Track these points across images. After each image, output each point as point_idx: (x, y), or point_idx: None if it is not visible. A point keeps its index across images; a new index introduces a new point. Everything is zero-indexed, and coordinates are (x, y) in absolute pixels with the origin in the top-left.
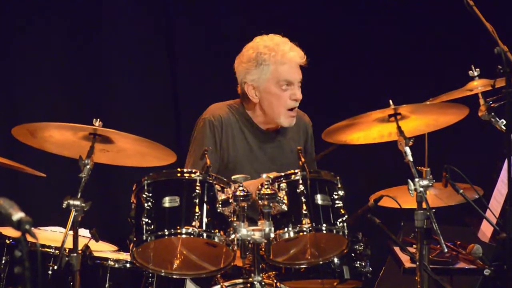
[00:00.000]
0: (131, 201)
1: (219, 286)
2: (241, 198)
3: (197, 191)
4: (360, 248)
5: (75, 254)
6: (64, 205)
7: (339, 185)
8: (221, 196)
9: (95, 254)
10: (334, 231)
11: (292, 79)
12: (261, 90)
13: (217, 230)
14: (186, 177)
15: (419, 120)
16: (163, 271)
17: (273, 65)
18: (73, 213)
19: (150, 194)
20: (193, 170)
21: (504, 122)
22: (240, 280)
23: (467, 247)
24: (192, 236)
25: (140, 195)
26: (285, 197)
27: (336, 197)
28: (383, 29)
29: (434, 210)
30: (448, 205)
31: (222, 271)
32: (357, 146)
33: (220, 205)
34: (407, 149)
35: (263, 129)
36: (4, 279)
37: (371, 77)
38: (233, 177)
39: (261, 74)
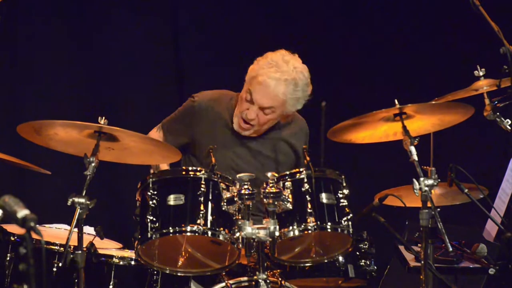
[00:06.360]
0: (136, 199)
1: (224, 284)
2: (246, 196)
3: (202, 189)
4: (365, 246)
5: (80, 252)
6: (69, 203)
7: (344, 184)
8: (226, 194)
9: (100, 251)
10: (339, 229)
11: (254, 99)
12: (244, 86)
13: (222, 228)
14: (191, 175)
15: (425, 120)
16: (168, 268)
17: (254, 74)
18: (78, 211)
19: (155, 192)
20: (198, 168)
21: (510, 122)
22: (245, 278)
23: (472, 246)
24: (197, 234)
25: (145, 193)
26: (290, 196)
27: (341, 195)
28: (389, 28)
29: (439, 209)
30: (453, 204)
31: (227, 269)
32: (362, 145)
33: (225, 203)
34: (412, 149)
35: None
36: (9, 276)
37: (376, 77)
38: (238, 175)
39: (249, 72)
